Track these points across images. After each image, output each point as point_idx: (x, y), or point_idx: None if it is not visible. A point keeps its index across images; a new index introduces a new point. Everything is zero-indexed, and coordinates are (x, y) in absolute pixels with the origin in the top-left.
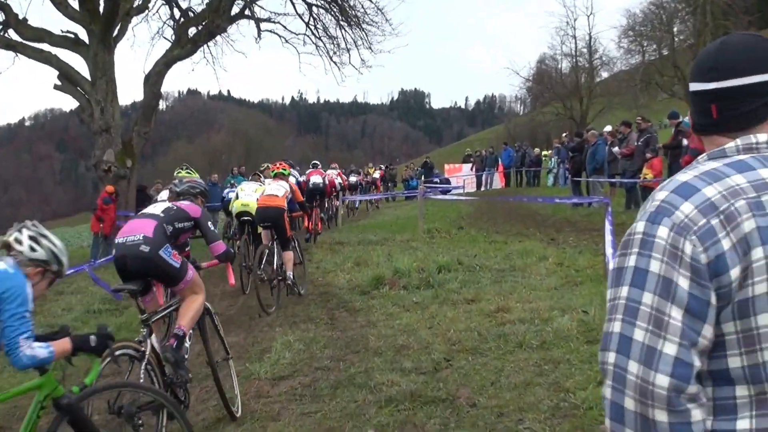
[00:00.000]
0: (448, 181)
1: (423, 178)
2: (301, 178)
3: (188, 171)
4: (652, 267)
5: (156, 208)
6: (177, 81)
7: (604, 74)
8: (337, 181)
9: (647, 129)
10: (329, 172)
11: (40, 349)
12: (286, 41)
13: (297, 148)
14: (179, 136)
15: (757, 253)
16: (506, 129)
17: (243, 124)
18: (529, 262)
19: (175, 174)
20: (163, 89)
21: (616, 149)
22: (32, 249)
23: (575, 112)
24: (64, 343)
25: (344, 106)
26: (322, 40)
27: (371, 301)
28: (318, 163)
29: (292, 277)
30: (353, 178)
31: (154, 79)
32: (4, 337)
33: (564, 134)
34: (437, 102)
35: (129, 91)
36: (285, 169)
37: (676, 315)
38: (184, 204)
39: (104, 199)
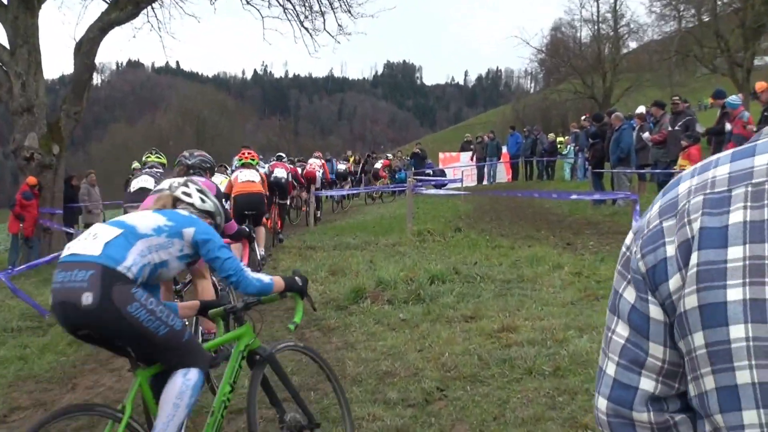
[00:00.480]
0: (443, 173)
1: (413, 169)
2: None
3: (158, 155)
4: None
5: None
6: (115, 50)
7: (632, 45)
8: (319, 173)
9: (684, 111)
10: (311, 161)
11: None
12: (248, 2)
13: (260, 133)
14: (117, 117)
15: (693, 259)
16: (513, 110)
17: (195, 103)
18: (541, 271)
19: (144, 159)
20: (98, 60)
21: (646, 135)
22: (202, 201)
23: (597, 91)
24: (279, 280)
25: (317, 82)
26: (290, 2)
27: (349, 318)
28: (283, 155)
29: (262, 253)
30: (341, 166)
31: (86, 48)
32: (225, 270)
33: (583, 117)
34: (430, 78)
35: (56, 62)
36: (254, 159)
37: (620, 331)
38: (202, 181)
39: (24, 193)
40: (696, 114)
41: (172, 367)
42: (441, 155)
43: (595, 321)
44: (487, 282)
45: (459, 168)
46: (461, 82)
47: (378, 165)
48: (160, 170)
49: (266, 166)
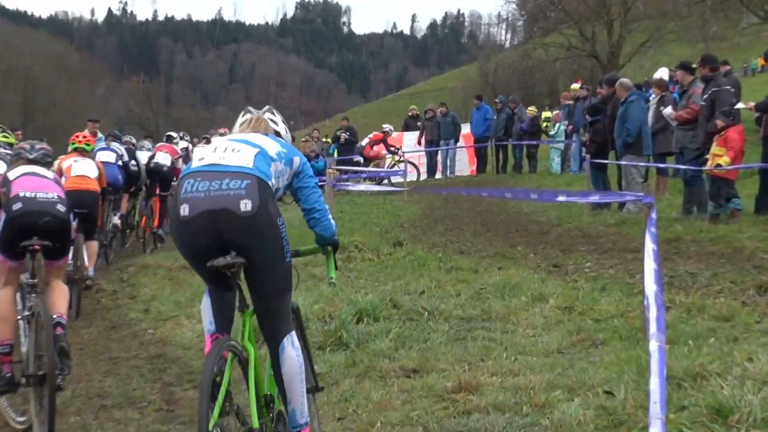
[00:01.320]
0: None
1: (336, 155)
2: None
3: (5, 134)
4: None
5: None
6: None
7: None
8: None
9: (716, 77)
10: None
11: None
12: None
13: (115, 100)
14: None
15: None
16: (481, 73)
17: (20, 57)
18: (515, 305)
19: None
20: None
21: (668, 111)
22: (285, 131)
23: (600, 47)
24: None
25: (199, 28)
26: None
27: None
28: (174, 135)
29: (91, 274)
30: None
31: None
32: (311, 202)
33: (577, 84)
34: (362, 24)
35: None
36: (89, 144)
37: None
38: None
39: None
40: (739, 81)
41: (278, 313)
42: (367, 138)
43: (591, 377)
44: (438, 320)
45: (402, 154)
46: (406, 31)
47: (364, 142)
48: (9, 152)
49: (142, 148)
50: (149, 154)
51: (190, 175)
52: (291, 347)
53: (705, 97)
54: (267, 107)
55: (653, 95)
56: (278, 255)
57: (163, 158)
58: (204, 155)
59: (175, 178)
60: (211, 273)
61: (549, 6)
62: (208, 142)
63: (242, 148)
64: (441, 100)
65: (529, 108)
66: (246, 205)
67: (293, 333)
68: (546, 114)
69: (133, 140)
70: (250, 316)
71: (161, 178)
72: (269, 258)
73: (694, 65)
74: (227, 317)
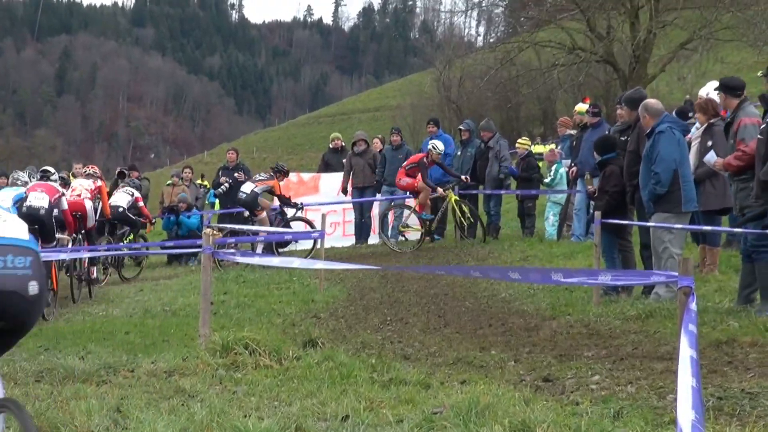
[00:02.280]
0: (283, 218)
1: (217, 207)
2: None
3: None
4: None
5: None
6: None
7: None
8: (90, 204)
9: None
10: (76, 183)
11: None
12: None
13: None
14: None
15: None
16: (438, 85)
17: None
18: None
19: None
20: None
21: (710, 156)
22: None
23: (620, 49)
24: None
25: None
26: None
27: None
28: (51, 170)
29: None
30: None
31: None
32: None
33: (585, 104)
34: (259, 8)
35: None
36: None
37: None
38: None
39: None
40: None
41: None
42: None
43: None
44: None
45: (318, 206)
46: (327, 20)
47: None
48: None
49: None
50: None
51: None
52: None
53: (763, 127)
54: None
55: (697, 124)
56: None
57: (38, 199)
58: None
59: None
60: None
61: None
62: (65, 183)
63: (8, 216)
64: (380, 125)
65: (520, 141)
66: (34, 288)
67: None
68: (540, 148)
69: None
70: None
71: (40, 225)
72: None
73: (760, 73)
74: None
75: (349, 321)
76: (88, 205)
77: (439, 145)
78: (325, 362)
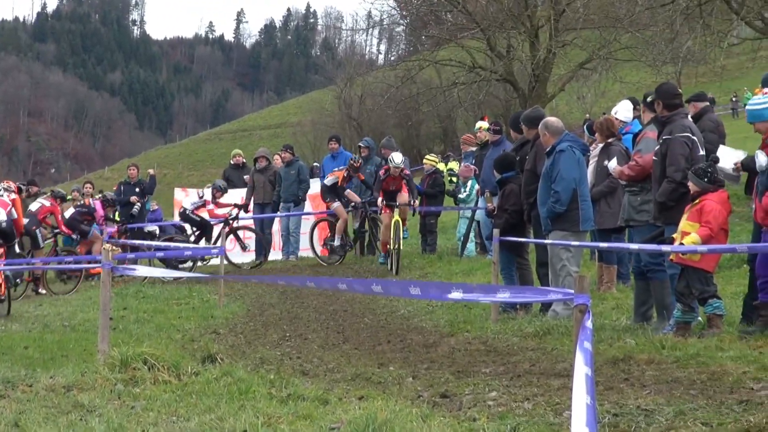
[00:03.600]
0: (182, 231)
1: (116, 222)
2: None
3: None
4: None
5: None
6: None
7: None
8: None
9: (674, 118)
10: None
11: None
12: None
13: None
14: None
15: None
16: (339, 102)
17: None
18: None
19: None
20: None
21: (612, 163)
22: None
23: (519, 68)
24: None
25: None
26: None
27: None
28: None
29: None
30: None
31: None
32: None
33: (485, 122)
34: (161, 25)
35: None
36: None
37: None
38: None
39: None
40: (721, 123)
41: None
42: (183, 193)
43: None
44: None
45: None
46: (228, 37)
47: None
48: None
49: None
50: None
51: None
52: None
53: (657, 148)
54: None
55: (596, 143)
56: None
57: None
58: None
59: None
60: None
61: (443, 4)
62: None
63: None
64: (281, 141)
65: (428, 157)
66: None
67: None
68: (451, 165)
69: None
70: None
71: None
72: None
73: (650, 99)
74: None
75: (248, 337)
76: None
77: (396, 158)
78: (223, 378)
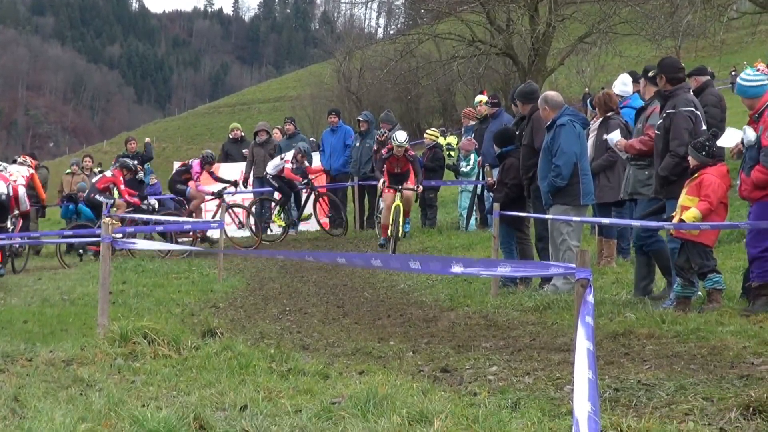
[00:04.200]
0: (180, 203)
1: (114, 197)
2: None
3: None
4: None
5: None
6: None
7: None
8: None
9: (678, 93)
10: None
11: None
12: None
13: None
14: None
15: None
16: (338, 76)
17: None
18: (386, 428)
19: None
20: None
21: (613, 135)
22: None
23: (519, 42)
24: None
25: None
26: None
27: None
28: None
29: None
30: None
31: None
32: None
33: (483, 96)
34: (158, 1)
35: None
36: None
37: None
38: None
39: None
40: (723, 98)
41: None
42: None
43: None
44: None
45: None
46: (227, 11)
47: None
48: None
49: None
50: None
51: None
52: None
53: (659, 122)
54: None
55: (594, 119)
56: None
57: None
58: None
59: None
60: None
61: None
62: None
63: None
64: (279, 115)
65: (428, 132)
66: None
67: None
68: (450, 139)
69: None
70: None
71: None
72: None
73: (651, 73)
74: None
75: (248, 311)
76: (22, 191)
77: (400, 136)
78: (223, 352)
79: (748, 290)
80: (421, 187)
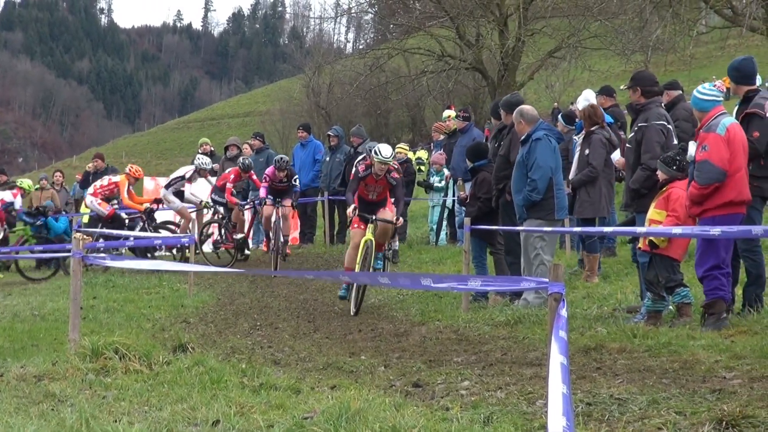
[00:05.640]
0: (149, 223)
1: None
2: None
3: None
4: None
5: None
6: None
7: None
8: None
9: (649, 107)
10: None
11: None
12: None
13: None
14: None
15: None
16: (308, 91)
17: None
18: None
19: None
20: None
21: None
22: None
23: (489, 56)
24: None
25: None
26: None
27: None
28: None
29: None
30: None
31: None
32: None
33: (451, 110)
34: (129, 14)
35: None
36: None
37: None
38: None
39: None
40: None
41: None
42: (155, 181)
43: None
44: None
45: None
46: (196, 25)
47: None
48: None
49: None
50: None
51: None
52: None
53: (631, 136)
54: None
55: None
56: None
57: None
58: None
59: None
60: None
61: None
62: None
63: None
64: (249, 130)
65: (399, 146)
66: None
67: None
68: (420, 154)
69: None
70: None
71: None
72: None
73: (623, 87)
74: None
75: (218, 326)
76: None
77: (384, 150)
78: (195, 367)
79: (753, 298)
80: (401, 220)
